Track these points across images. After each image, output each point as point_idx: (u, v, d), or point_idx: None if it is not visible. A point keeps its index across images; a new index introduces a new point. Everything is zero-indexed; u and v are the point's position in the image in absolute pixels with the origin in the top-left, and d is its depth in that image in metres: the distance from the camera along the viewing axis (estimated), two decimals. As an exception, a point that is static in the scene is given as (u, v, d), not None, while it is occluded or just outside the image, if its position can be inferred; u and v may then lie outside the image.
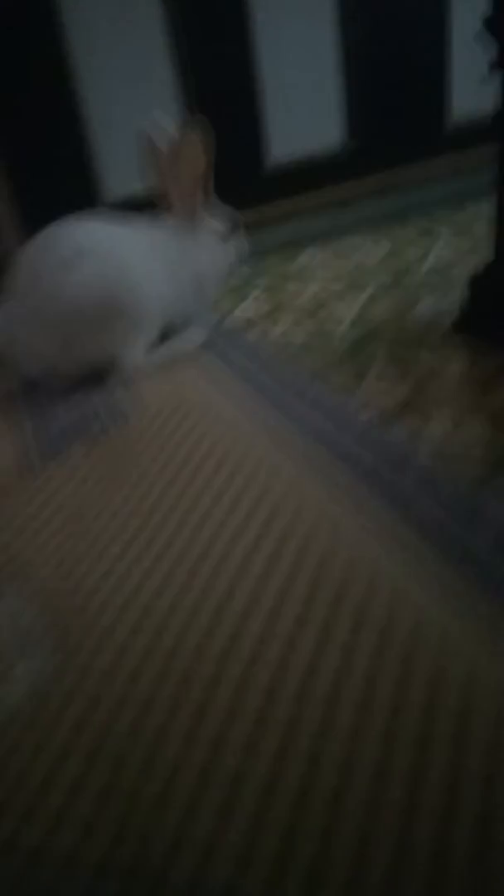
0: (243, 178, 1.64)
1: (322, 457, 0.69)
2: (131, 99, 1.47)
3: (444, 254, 1.37)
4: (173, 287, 0.97)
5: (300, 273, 1.42)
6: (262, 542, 0.56)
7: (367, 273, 1.34)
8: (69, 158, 1.45)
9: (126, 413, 0.84)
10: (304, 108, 1.67)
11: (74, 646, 0.49)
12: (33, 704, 0.45)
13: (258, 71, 1.55)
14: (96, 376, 0.94)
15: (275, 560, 0.54)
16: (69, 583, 0.55)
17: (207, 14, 1.46)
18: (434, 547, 0.53)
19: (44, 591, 0.55)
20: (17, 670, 0.47)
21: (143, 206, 1.03)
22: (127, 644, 0.48)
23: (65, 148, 1.44)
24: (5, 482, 0.73)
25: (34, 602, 0.54)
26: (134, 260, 0.89)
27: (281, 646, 0.46)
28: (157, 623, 0.50)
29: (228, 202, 1.64)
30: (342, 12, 1.59)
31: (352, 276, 1.34)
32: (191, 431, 0.76)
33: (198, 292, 1.03)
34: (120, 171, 1.50)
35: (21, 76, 1.36)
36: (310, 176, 1.73)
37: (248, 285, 1.39)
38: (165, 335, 1.00)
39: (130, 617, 0.51)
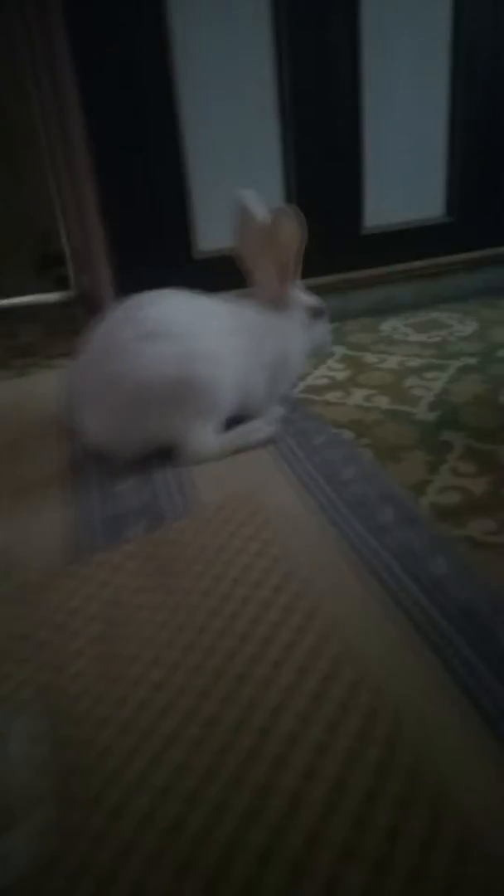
0: (336, 240, 1.65)
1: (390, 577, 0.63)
2: (234, 159, 1.51)
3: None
4: (252, 370, 0.93)
5: (381, 343, 1.40)
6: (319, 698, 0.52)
7: (450, 351, 1.30)
8: (168, 213, 1.50)
9: (187, 503, 0.79)
10: (405, 175, 1.67)
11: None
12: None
13: (363, 135, 1.57)
14: (162, 454, 0.89)
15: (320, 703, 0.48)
16: (91, 716, 0.49)
17: (318, 74, 1.49)
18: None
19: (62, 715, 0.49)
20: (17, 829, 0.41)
21: (231, 265, 1.03)
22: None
23: (165, 202, 1.49)
24: (52, 568, 0.69)
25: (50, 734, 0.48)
26: (214, 341, 0.87)
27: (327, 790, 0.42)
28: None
29: (318, 264, 1.65)
30: (453, 87, 1.59)
31: (434, 353, 1.30)
32: (251, 537, 0.70)
33: (277, 376, 0.99)
34: (214, 229, 1.53)
35: (132, 130, 1.43)
36: (403, 245, 1.71)
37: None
38: (239, 418, 0.95)
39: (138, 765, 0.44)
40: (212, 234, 1.52)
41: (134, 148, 1.44)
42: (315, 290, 1.08)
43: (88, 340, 0.88)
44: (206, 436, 0.88)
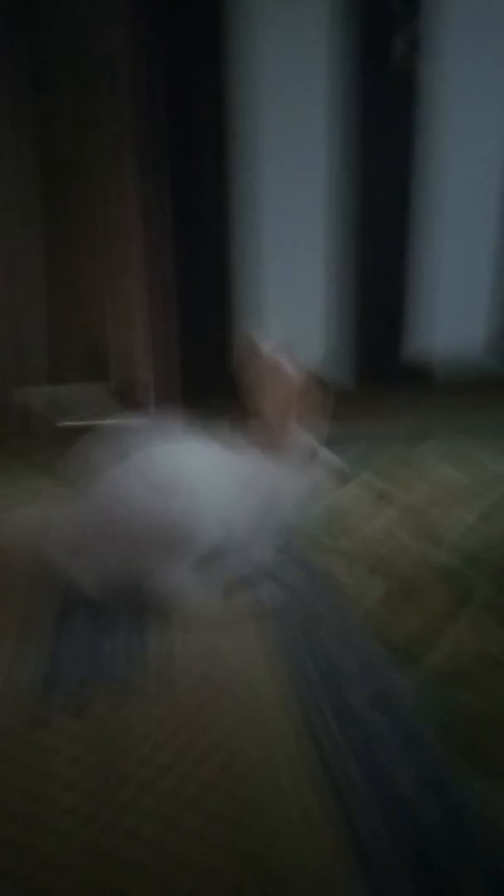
0: (374, 362, 1.66)
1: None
2: (289, 259, 1.58)
3: None
4: (243, 517, 0.94)
5: (411, 473, 1.36)
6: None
7: (485, 485, 1.25)
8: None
9: (157, 667, 0.73)
10: (452, 304, 1.69)
11: None
12: None
13: (415, 263, 1.61)
14: (139, 608, 0.86)
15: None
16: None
17: (374, 185, 1.58)
18: None
19: None
20: None
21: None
22: None
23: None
24: (17, 734, 0.62)
25: None
26: (215, 496, 0.89)
27: None
28: None
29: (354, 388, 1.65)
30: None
31: (467, 487, 1.25)
32: (214, 718, 0.63)
33: (266, 524, 0.98)
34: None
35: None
36: (444, 374, 1.71)
37: (352, 475, 1.34)
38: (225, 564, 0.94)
39: None
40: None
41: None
42: (347, 413, 1.06)
43: (96, 487, 0.90)
44: (192, 587, 0.89)
